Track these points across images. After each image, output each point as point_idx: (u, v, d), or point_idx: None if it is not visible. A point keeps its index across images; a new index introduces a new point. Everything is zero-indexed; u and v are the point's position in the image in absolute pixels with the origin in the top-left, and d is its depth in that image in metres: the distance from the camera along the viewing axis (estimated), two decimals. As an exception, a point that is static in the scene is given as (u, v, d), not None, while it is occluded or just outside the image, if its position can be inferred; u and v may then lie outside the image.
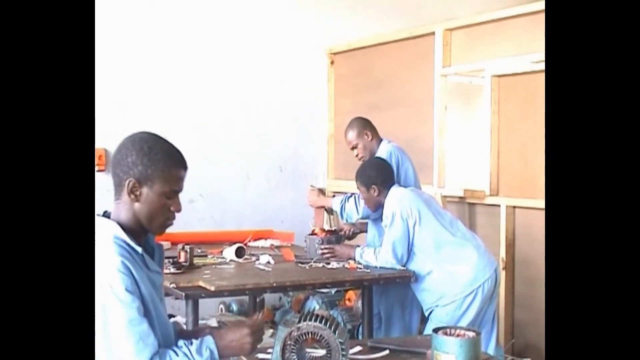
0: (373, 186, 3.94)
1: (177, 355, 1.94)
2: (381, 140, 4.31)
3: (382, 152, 4.21)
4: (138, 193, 1.99)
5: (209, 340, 2.02)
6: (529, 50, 4.39)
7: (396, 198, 3.88)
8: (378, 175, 3.95)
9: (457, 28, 5.05)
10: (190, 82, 5.74)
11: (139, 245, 2.00)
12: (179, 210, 2.05)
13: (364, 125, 4.32)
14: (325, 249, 4.10)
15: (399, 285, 3.99)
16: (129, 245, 1.97)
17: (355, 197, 4.20)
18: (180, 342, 2.00)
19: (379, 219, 4.06)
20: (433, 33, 5.15)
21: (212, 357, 1.99)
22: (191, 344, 1.99)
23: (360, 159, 4.29)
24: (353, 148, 4.32)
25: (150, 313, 1.95)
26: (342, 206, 4.26)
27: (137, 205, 2.00)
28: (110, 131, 4.41)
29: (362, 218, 4.27)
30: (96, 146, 4.97)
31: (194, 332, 2.26)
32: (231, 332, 2.07)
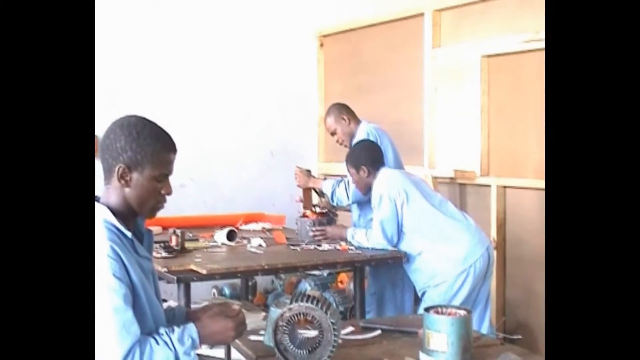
0: (362, 167, 3.95)
1: (157, 343, 1.92)
2: (360, 122, 4.34)
3: (361, 133, 4.24)
4: (128, 178, 1.97)
5: (191, 328, 1.99)
6: (518, 30, 4.39)
7: (384, 179, 3.89)
8: (367, 157, 3.96)
9: (446, 9, 5.03)
10: (179, 66, 5.72)
11: (128, 229, 1.99)
12: (169, 193, 2.04)
13: (340, 110, 4.37)
14: (317, 230, 4.11)
15: (390, 265, 4.00)
16: (118, 229, 1.96)
17: (345, 182, 4.22)
18: (162, 330, 1.96)
19: (367, 202, 4.08)
20: (422, 14, 5.13)
21: (193, 345, 1.97)
22: (173, 331, 1.96)
23: (341, 144, 4.36)
24: (333, 134, 4.39)
25: (140, 298, 1.94)
26: (333, 190, 4.29)
27: (127, 190, 1.99)
28: (101, 117, 4.41)
29: (353, 202, 4.28)
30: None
31: (197, 312, 2.22)
32: (215, 324, 2.05)
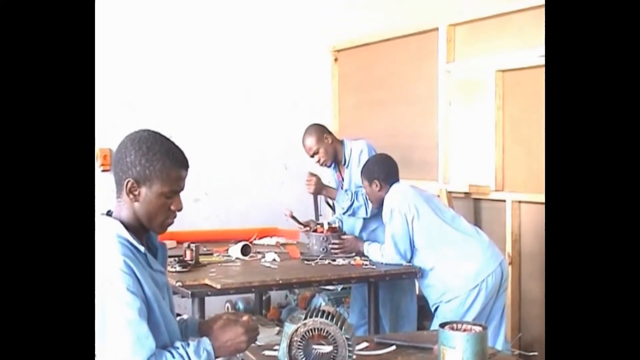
0: (375, 181, 3.95)
1: (173, 357, 1.93)
2: (341, 141, 4.35)
3: (361, 147, 4.25)
4: (137, 193, 1.99)
5: (205, 341, 2.01)
6: (534, 44, 4.37)
7: (395, 194, 3.88)
8: (381, 171, 3.96)
9: (461, 23, 5.03)
10: (194, 80, 5.75)
11: (141, 244, 2.00)
12: (179, 210, 2.04)
13: (322, 130, 4.35)
14: (335, 243, 4.09)
15: (404, 280, 3.97)
16: (131, 244, 1.97)
17: (364, 195, 4.18)
18: (177, 343, 1.98)
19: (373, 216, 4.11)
20: (437, 28, 5.13)
21: (208, 358, 1.98)
22: (188, 345, 1.98)
23: (322, 164, 4.32)
24: (313, 155, 4.32)
25: (154, 312, 1.95)
26: (351, 203, 4.23)
27: (136, 204, 2.00)
28: (116, 131, 4.44)
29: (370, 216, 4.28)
30: (102, 146, 5.00)
31: (208, 323, 2.23)
32: (226, 333, 2.06)
